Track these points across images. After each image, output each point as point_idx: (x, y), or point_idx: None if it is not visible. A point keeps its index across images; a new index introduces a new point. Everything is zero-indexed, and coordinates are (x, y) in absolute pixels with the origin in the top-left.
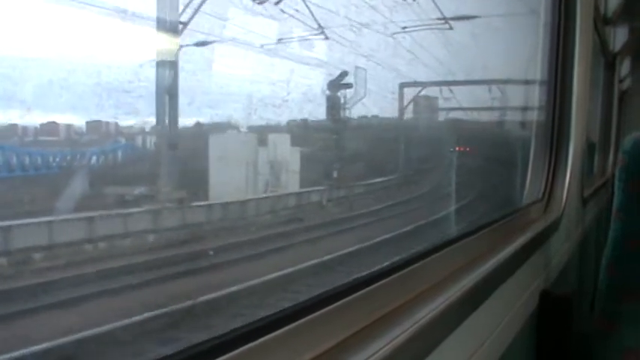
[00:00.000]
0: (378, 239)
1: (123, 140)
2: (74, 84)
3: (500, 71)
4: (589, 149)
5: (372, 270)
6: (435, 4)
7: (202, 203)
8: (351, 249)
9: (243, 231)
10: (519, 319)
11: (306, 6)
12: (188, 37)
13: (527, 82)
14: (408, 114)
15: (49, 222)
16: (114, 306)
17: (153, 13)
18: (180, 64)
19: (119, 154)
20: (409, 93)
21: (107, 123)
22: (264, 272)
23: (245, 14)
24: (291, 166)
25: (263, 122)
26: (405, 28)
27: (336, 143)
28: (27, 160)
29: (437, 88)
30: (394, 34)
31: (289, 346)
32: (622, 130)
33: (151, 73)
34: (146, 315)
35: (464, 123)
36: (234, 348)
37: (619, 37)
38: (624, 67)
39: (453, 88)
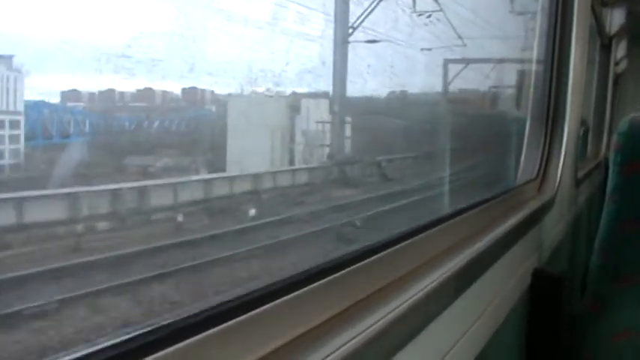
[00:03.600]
0: None
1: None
2: None
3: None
4: (583, 131)
5: (362, 247)
6: None
7: None
8: None
9: None
10: (512, 297)
11: None
12: None
13: (522, 61)
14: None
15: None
16: None
17: None
18: None
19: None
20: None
21: (203, 91)
22: None
23: None
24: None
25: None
26: None
27: None
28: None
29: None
30: None
31: (268, 326)
32: (616, 113)
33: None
34: None
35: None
36: (200, 332)
37: (615, 19)
38: (620, 50)
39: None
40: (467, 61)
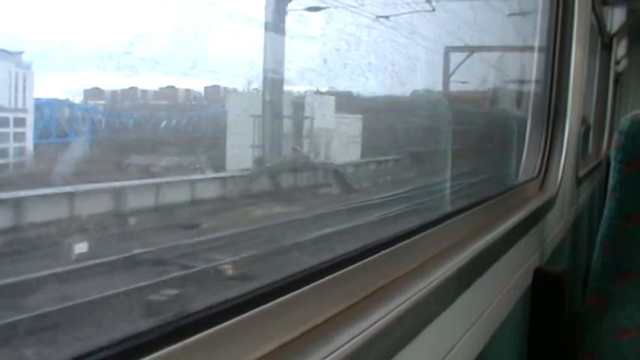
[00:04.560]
0: None
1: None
2: None
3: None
4: (584, 130)
5: (362, 245)
6: None
7: None
8: None
9: None
10: (513, 296)
11: None
12: None
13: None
14: None
15: None
16: None
17: None
18: None
19: None
20: None
21: (225, 89)
22: None
23: None
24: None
25: None
26: None
27: None
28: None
29: None
30: None
31: (268, 325)
32: (617, 112)
33: None
34: None
35: None
36: (202, 330)
37: (616, 18)
38: (621, 49)
39: None
40: (471, 49)
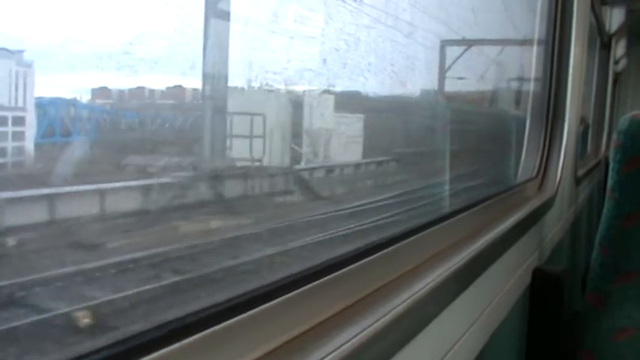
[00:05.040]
0: None
1: None
2: None
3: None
4: (582, 130)
5: (360, 246)
6: None
7: None
8: None
9: None
10: (512, 296)
11: None
12: None
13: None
14: None
15: None
16: None
17: None
18: None
19: None
20: None
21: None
22: None
23: None
24: None
25: None
26: None
27: None
28: None
29: None
30: None
31: (268, 325)
32: (616, 112)
33: None
34: None
35: None
36: (203, 329)
37: (615, 17)
38: (620, 48)
39: None
40: (468, 43)
